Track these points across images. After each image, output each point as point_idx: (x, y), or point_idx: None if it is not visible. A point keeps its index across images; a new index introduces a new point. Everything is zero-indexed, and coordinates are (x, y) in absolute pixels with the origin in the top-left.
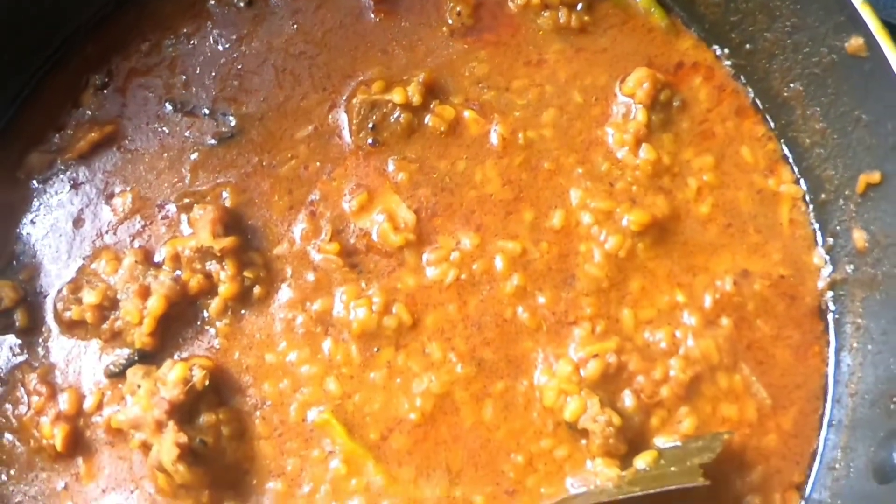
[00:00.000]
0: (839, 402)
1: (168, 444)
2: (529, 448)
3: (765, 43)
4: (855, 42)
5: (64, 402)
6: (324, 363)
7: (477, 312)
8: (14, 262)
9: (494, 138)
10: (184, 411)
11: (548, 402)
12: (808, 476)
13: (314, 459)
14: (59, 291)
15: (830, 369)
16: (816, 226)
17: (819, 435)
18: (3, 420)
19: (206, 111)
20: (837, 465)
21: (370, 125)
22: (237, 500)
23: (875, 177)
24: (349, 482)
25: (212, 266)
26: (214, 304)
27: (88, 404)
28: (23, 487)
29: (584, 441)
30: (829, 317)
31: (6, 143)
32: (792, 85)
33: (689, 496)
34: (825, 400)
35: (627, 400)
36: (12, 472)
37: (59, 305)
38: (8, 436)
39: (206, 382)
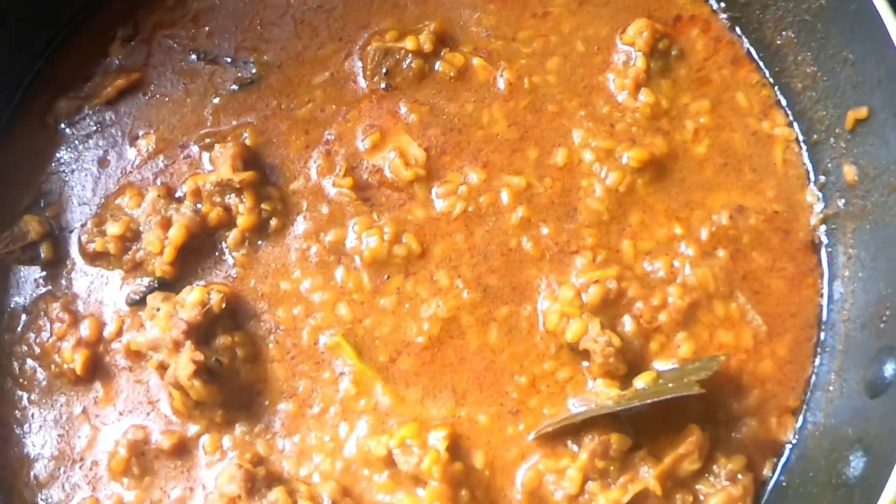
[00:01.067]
0: (832, 329)
1: (185, 361)
2: (532, 370)
3: None
4: None
5: (85, 329)
6: (336, 290)
7: (483, 242)
8: (41, 201)
9: (501, 83)
10: (201, 333)
11: (550, 326)
12: (804, 400)
13: (325, 381)
14: (84, 225)
15: (824, 299)
16: (809, 165)
17: (813, 361)
18: (26, 347)
19: (229, 59)
20: (831, 388)
21: (384, 71)
22: (249, 420)
23: (862, 112)
24: (358, 402)
25: (231, 199)
26: (232, 235)
27: (108, 331)
28: (43, 412)
29: (585, 363)
30: (822, 250)
31: (36, 91)
32: (784, 33)
33: (688, 417)
34: (819, 328)
35: (627, 325)
36: (33, 396)
37: (84, 238)
38: (30, 362)
39: (223, 305)
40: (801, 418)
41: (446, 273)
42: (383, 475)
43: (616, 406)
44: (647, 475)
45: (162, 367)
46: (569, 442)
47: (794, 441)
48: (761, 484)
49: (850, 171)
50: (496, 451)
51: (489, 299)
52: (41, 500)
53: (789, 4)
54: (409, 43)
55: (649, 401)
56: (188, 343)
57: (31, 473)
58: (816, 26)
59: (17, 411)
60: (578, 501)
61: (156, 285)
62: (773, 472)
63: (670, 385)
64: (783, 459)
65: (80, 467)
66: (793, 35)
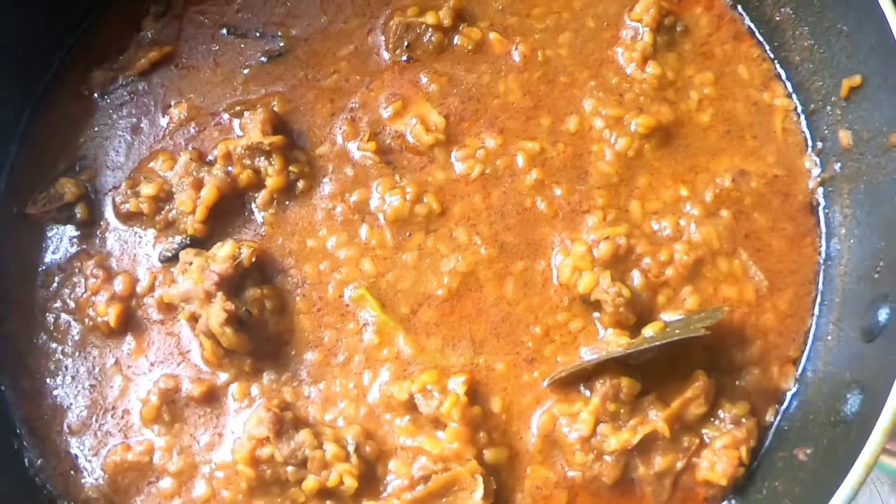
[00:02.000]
0: (830, 284)
1: (217, 309)
2: (546, 321)
3: None
4: None
5: (118, 284)
6: (360, 246)
7: (499, 202)
8: (76, 165)
9: (516, 56)
10: (231, 285)
11: (563, 279)
12: (803, 350)
13: (349, 332)
14: (118, 187)
15: (822, 257)
16: (807, 133)
17: (812, 313)
18: (60, 303)
19: (258, 33)
20: (829, 337)
21: (405, 44)
22: (276, 368)
23: (856, 80)
24: (381, 352)
25: (260, 162)
26: (261, 196)
27: (141, 286)
28: (76, 363)
29: (596, 314)
30: (820, 210)
31: (71, 62)
32: (783, 10)
33: (694, 365)
34: (817, 283)
35: (636, 279)
36: (66, 349)
37: (118, 199)
38: (64, 316)
39: (253, 259)
40: (801, 367)
41: (465, 230)
42: (405, 419)
43: (626, 350)
44: (656, 418)
45: (193, 319)
46: (581, 387)
47: (795, 389)
48: (764, 428)
49: (845, 136)
50: (512, 397)
51: (505, 255)
52: (74, 447)
53: None
54: (429, 18)
55: (658, 343)
56: (219, 294)
57: (65, 423)
58: (813, 2)
59: (50, 363)
60: (591, 443)
61: (188, 242)
62: (775, 418)
63: (677, 331)
64: (784, 405)
65: (112, 416)
66: (791, 11)
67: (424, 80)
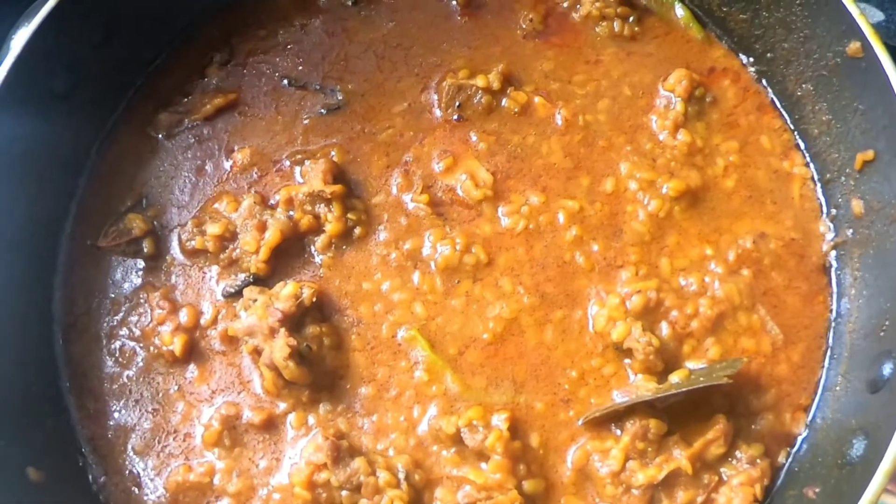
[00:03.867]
0: (839, 339)
1: (280, 344)
2: (582, 365)
3: (782, 51)
4: (853, 45)
5: (183, 316)
6: (412, 291)
7: (541, 255)
8: (143, 202)
9: (559, 119)
10: (293, 322)
11: (598, 328)
12: (814, 399)
13: (401, 369)
14: (184, 225)
15: (833, 314)
16: (822, 200)
17: (822, 365)
18: (127, 331)
19: (317, 86)
20: (838, 388)
21: (457, 104)
22: (332, 400)
23: (869, 154)
24: (430, 388)
25: (320, 209)
26: (321, 240)
27: (205, 319)
28: (140, 388)
29: (627, 360)
30: (832, 271)
31: (138, 104)
32: (804, 86)
33: (715, 410)
34: (827, 338)
35: (664, 330)
36: (131, 373)
37: (184, 236)
38: (130, 343)
39: (314, 299)
40: (811, 414)
41: (509, 280)
42: (451, 451)
43: (654, 395)
44: (680, 456)
45: (256, 352)
46: (613, 427)
47: (805, 433)
48: (776, 469)
49: (857, 205)
50: (549, 434)
51: (546, 304)
52: (137, 466)
53: (809, 61)
54: (479, 81)
55: (684, 390)
56: (282, 330)
57: (129, 443)
58: (832, 80)
59: (115, 386)
60: (620, 477)
61: (251, 280)
62: (787, 459)
63: (701, 378)
64: (795, 448)
65: (175, 438)
66: (811, 88)
67: (474, 138)
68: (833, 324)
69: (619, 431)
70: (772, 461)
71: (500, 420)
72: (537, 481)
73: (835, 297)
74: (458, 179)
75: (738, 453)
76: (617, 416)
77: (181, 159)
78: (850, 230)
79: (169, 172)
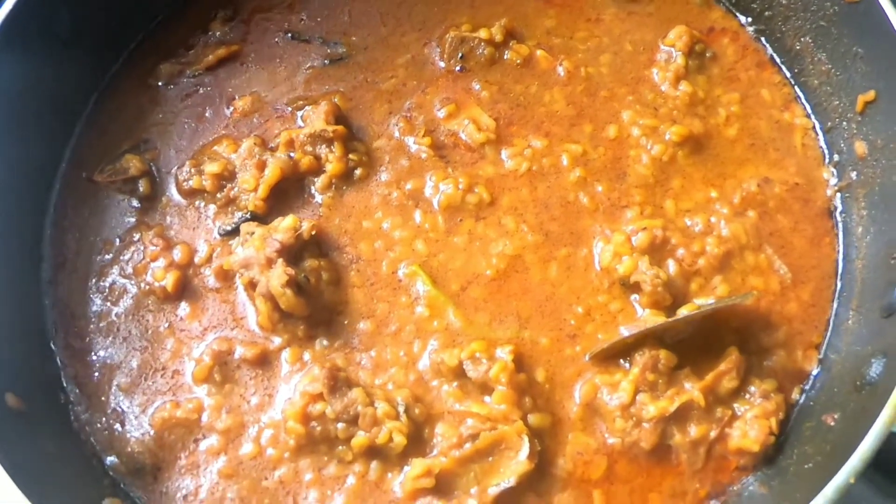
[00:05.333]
0: (849, 276)
1: (279, 272)
2: (588, 301)
3: (780, 8)
4: None
5: (177, 253)
6: (413, 229)
7: (545, 195)
8: (140, 146)
9: (561, 71)
10: (291, 255)
11: (604, 264)
12: (825, 337)
13: (401, 304)
14: (182, 166)
15: (840, 255)
16: (825, 147)
17: (832, 304)
18: (118, 268)
19: (320, 40)
20: (850, 321)
21: (459, 55)
22: (329, 336)
23: (871, 95)
24: (431, 323)
25: (321, 149)
26: (321, 180)
27: (199, 257)
28: (129, 325)
29: (634, 296)
30: (837, 214)
31: (139, 57)
32: (803, 39)
33: (726, 345)
34: (836, 277)
35: (671, 267)
36: (119, 311)
37: (181, 176)
38: (120, 280)
39: (313, 233)
40: (823, 351)
41: (513, 219)
42: (453, 385)
43: (664, 323)
44: (691, 388)
45: (251, 286)
46: (621, 361)
47: (818, 371)
48: (790, 405)
49: (860, 147)
50: (556, 369)
51: (550, 241)
52: (122, 404)
53: (807, 14)
54: (482, 33)
55: (695, 314)
56: (280, 260)
57: (114, 382)
58: (831, 30)
59: (102, 324)
60: (630, 410)
61: (248, 217)
62: (800, 396)
63: (711, 304)
64: (808, 385)
65: (163, 375)
66: (810, 40)
67: (476, 87)
68: (842, 264)
69: (628, 365)
70: (786, 397)
71: (504, 352)
72: (543, 416)
73: (841, 238)
74: (461, 124)
75: (751, 388)
76: (625, 350)
77: (181, 107)
78: (854, 173)
79: (168, 119)
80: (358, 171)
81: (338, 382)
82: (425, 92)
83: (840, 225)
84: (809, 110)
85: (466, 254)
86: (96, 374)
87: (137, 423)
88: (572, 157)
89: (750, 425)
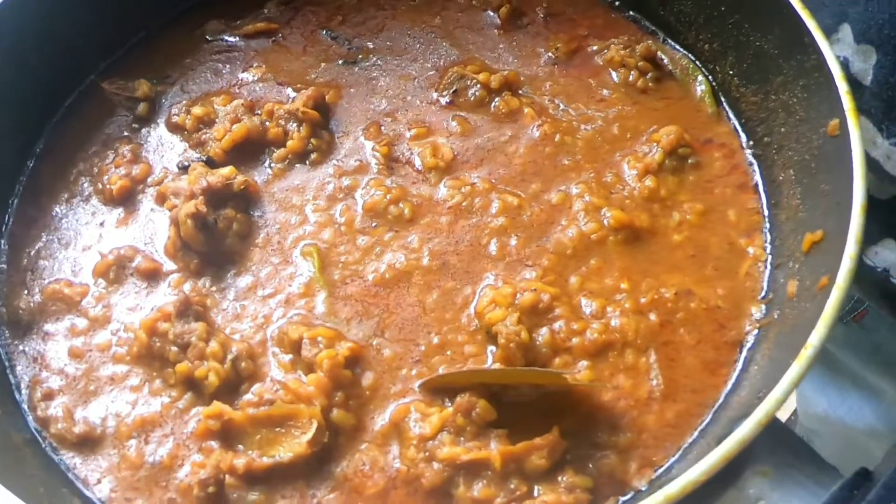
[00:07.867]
0: (723, 411)
1: (190, 204)
2: (448, 336)
3: (779, 136)
4: (833, 123)
5: (136, 169)
6: (331, 218)
7: (461, 231)
8: (159, 79)
9: (537, 131)
10: (216, 198)
11: (479, 308)
12: (668, 462)
13: (284, 275)
14: (178, 102)
15: (727, 389)
16: (766, 283)
17: (694, 434)
18: (88, 165)
19: (346, 41)
20: (695, 451)
21: (453, 89)
22: (213, 279)
23: (818, 235)
24: (300, 300)
25: (291, 126)
26: (279, 152)
27: (152, 179)
28: (72, 210)
29: (492, 348)
30: (745, 349)
31: (198, 14)
32: (787, 171)
33: (560, 426)
34: (712, 409)
35: (543, 334)
36: (72, 197)
37: (174, 111)
38: (85, 174)
39: (243, 187)
40: (659, 471)
41: (420, 240)
42: (287, 358)
43: (500, 370)
44: (495, 449)
45: (174, 210)
46: (447, 399)
47: (645, 489)
48: None
49: (792, 286)
50: (384, 381)
51: (442, 272)
52: (30, 267)
53: (798, 146)
54: (481, 76)
55: (516, 369)
56: (201, 197)
57: (37, 247)
58: (811, 164)
59: (55, 205)
60: (427, 444)
61: (204, 159)
62: None
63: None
64: (627, 500)
65: (72, 258)
66: (793, 174)
67: (454, 123)
68: (723, 398)
69: (449, 406)
70: (593, 500)
71: (342, 347)
72: (348, 416)
73: (737, 373)
74: (422, 145)
75: (560, 477)
76: (456, 392)
77: (208, 59)
78: (778, 311)
79: (193, 66)
80: (313, 155)
81: (188, 310)
82: (407, 111)
83: (742, 361)
84: (768, 244)
85: (363, 254)
86: (29, 235)
87: (34, 287)
88: (504, 206)
89: None
